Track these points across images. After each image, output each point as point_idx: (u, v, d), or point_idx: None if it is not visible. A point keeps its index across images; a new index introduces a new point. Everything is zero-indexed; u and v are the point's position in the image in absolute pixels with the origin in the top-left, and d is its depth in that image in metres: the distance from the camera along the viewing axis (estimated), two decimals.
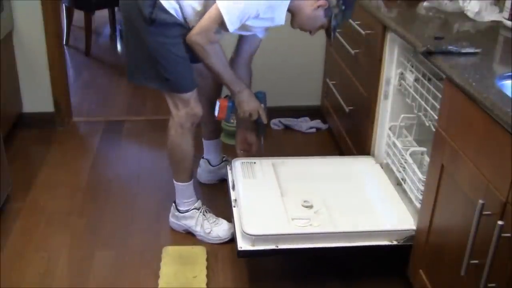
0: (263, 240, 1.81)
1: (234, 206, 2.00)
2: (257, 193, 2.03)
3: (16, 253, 2.13)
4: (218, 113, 2.15)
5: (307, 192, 2.09)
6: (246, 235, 1.81)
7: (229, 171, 2.21)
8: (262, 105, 2.16)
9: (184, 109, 2.07)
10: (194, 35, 1.91)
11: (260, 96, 2.16)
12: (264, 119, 2.17)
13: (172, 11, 1.90)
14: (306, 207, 2.03)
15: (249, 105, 2.10)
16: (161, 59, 1.97)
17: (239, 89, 2.07)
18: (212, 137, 2.50)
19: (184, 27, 1.94)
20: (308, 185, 2.16)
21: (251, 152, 2.28)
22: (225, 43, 2.05)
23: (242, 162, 2.21)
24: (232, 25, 1.87)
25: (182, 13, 1.92)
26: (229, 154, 2.57)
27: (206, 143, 2.52)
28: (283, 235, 1.83)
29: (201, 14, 1.91)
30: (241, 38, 2.19)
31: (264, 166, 2.20)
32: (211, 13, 1.87)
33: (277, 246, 1.81)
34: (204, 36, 1.90)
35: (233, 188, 2.10)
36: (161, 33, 1.93)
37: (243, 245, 1.82)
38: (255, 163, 2.21)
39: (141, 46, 1.98)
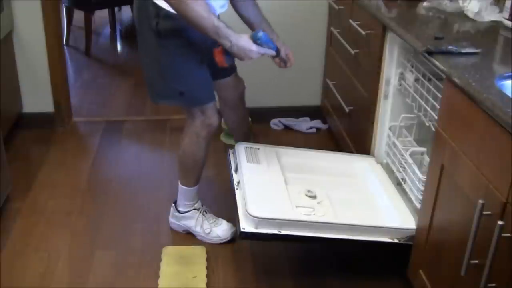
0: (266, 224, 1.79)
1: (237, 188, 1.99)
2: (261, 178, 2.02)
3: (16, 253, 2.13)
4: (218, 64, 1.96)
5: (310, 183, 2.09)
6: (250, 216, 1.79)
7: (231, 155, 2.19)
8: (264, 46, 1.91)
9: (200, 118, 2.04)
10: None
11: (258, 39, 1.90)
12: (272, 53, 1.96)
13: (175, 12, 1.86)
14: (310, 197, 2.01)
15: (246, 55, 1.87)
16: (175, 73, 1.94)
17: (230, 43, 1.82)
18: (245, 140, 2.36)
19: (193, 31, 1.87)
20: (310, 177, 2.15)
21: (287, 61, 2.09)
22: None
23: (246, 147, 2.20)
24: None
25: None
26: None
27: None
28: (287, 220, 1.81)
29: None
30: None
31: (268, 153, 2.20)
32: None
33: (280, 231, 1.79)
34: None
35: (236, 171, 2.09)
36: (171, 44, 1.90)
37: (246, 226, 1.79)
38: (259, 149, 2.21)
39: (153, 64, 1.96)
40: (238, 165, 2.09)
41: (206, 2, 1.80)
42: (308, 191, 2.03)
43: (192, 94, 2.00)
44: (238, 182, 2.01)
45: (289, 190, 1.99)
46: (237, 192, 1.97)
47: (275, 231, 1.79)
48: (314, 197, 2.02)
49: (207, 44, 1.92)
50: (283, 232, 1.80)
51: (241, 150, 2.17)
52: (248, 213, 1.79)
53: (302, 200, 1.98)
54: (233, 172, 2.09)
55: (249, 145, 2.24)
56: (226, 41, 1.82)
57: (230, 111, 2.33)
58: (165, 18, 1.85)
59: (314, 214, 1.92)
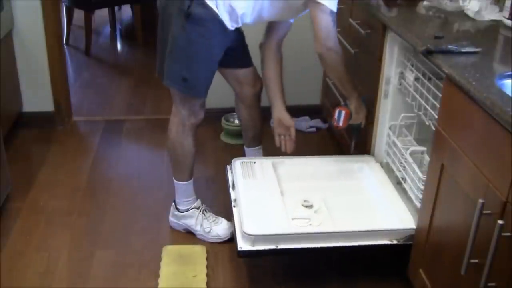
0: (263, 240, 1.81)
1: (234, 206, 2.01)
2: (257, 193, 2.03)
3: (16, 253, 2.13)
4: (342, 122, 2.15)
5: (307, 192, 2.09)
6: (246, 235, 1.81)
7: (229, 171, 2.20)
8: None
9: (187, 109, 2.06)
10: (326, 44, 1.94)
11: (364, 100, 2.18)
12: (364, 123, 2.20)
13: (211, 5, 1.87)
14: (306, 206, 2.02)
15: (363, 109, 2.15)
16: (186, 58, 1.95)
17: (357, 94, 2.10)
18: (254, 144, 2.40)
19: (223, 25, 1.91)
20: (308, 185, 2.15)
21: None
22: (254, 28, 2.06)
23: (242, 162, 2.21)
24: (336, 5, 1.90)
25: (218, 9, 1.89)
26: (230, 154, 2.56)
27: (247, 151, 2.42)
28: (283, 235, 1.83)
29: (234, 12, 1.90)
30: (272, 23, 2.16)
31: (264, 165, 2.20)
32: (318, 15, 1.89)
33: (277, 246, 1.81)
34: (335, 40, 1.95)
35: (233, 187, 2.10)
36: (194, 30, 1.90)
37: (243, 245, 1.82)
38: (255, 163, 2.21)
39: (171, 43, 1.94)
40: (235, 182, 2.10)
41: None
42: (305, 200, 2.04)
43: (193, 83, 2.00)
44: (235, 200, 2.02)
45: (285, 202, 2.00)
46: (235, 210, 1.98)
47: (272, 246, 1.81)
48: (311, 206, 2.03)
49: (228, 41, 2.00)
50: (280, 246, 1.81)
51: (237, 166, 2.18)
52: (244, 232, 1.81)
53: (299, 211, 2.00)
54: (231, 189, 2.10)
55: (245, 159, 2.24)
56: (355, 92, 2.09)
57: (244, 109, 2.32)
58: (198, 5, 1.87)
59: (310, 224, 1.93)
